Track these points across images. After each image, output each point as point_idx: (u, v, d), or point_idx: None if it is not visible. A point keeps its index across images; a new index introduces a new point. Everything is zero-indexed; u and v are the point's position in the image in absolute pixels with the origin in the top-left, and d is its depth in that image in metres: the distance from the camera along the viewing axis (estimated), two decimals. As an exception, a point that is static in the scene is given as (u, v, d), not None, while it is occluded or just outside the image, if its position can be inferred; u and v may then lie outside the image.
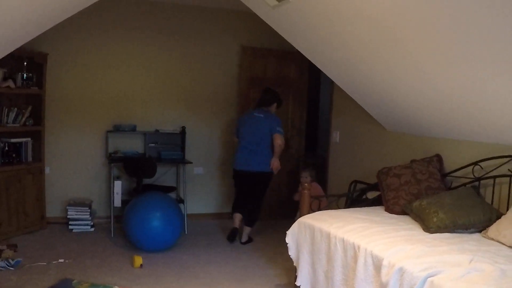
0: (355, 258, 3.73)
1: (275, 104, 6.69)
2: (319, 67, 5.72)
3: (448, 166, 5.03)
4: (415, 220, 4.32)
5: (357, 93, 5.76)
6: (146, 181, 7.12)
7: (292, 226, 4.65)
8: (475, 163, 4.65)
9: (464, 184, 4.75)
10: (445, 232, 3.95)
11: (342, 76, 5.59)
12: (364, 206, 5.11)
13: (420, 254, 3.39)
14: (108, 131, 7.23)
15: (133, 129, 7.29)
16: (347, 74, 5.41)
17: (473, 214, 4.01)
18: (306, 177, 6.61)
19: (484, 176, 4.59)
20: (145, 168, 6.77)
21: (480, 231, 4.00)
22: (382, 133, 6.15)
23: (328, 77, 6.01)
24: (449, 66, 3.91)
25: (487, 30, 3.20)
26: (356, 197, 5.75)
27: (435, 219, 4.00)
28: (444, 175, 4.98)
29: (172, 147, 7.48)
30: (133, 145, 7.43)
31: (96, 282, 5.03)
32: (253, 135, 6.52)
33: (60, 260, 5.57)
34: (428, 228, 4.00)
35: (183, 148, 7.50)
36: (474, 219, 3.98)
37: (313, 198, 4.94)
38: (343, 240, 3.91)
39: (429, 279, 3.03)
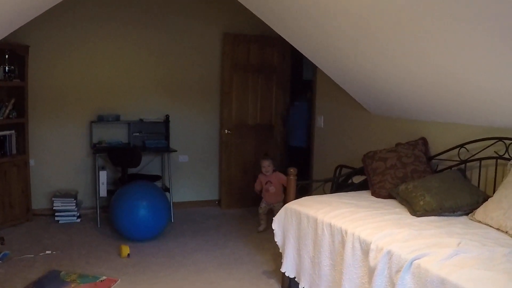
0: (343, 243, 3.73)
1: None
2: (300, 51, 5.69)
3: (434, 149, 5.05)
4: (402, 204, 4.33)
5: (340, 78, 5.75)
6: (131, 170, 7.09)
7: (279, 212, 4.65)
8: (461, 146, 4.66)
9: (450, 167, 4.77)
10: (432, 216, 3.96)
11: (324, 61, 5.57)
12: (350, 191, 5.12)
13: (408, 238, 3.40)
14: (92, 122, 7.17)
15: (117, 119, 7.24)
16: (329, 59, 5.39)
17: (460, 197, 4.02)
18: (269, 166, 6.59)
19: (470, 159, 4.60)
20: (130, 158, 6.74)
21: (467, 214, 4.00)
22: (367, 117, 6.16)
23: (311, 62, 5.99)
24: (433, 50, 3.91)
25: (471, 13, 3.20)
26: (341, 182, 5.75)
27: (421, 203, 4.01)
28: (430, 158, 4.99)
29: (156, 136, 7.45)
30: (117, 135, 7.39)
31: (84, 272, 5.02)
32: None
33: (47, 252, 5.55)
34: (415, 211, 4.01)
35: (167, 137, 7.48)
36: (461, 202, 3.99)
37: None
38: (330, 225, 3.91)
39: (416, 261, 3.05)
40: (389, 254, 3.25)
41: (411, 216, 4.01)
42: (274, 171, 6.62)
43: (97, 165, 6.99)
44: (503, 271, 2.78)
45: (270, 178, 6.58)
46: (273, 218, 4.70)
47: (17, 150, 6.60)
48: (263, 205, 6.70)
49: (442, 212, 3.98)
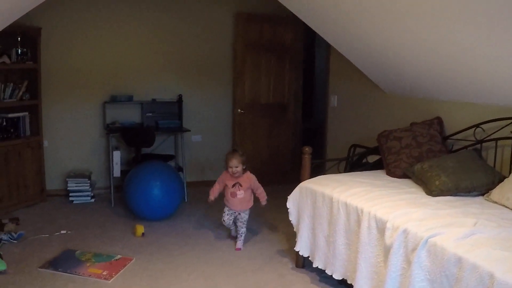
0: (358, 222, 3.73)
1: None
2: (314, 29, 5.65)
3: (449, 128, 5.01)
4: (417, 184, 4.30)
5: (354, 56, 5.71)
6: (145, 150, 7.10)
7: (294, 191, 4.64)
8: (477, 126, 4.62)
9: (466, 147, 4.73)
10: (447, 196, 3.94)
11: (338, 38, 5.53)
12: (365, 170, 5.10)
13: (424, 217, 3.38)
14: (105, 102, 7.17)
15: (129, 99, 7.23)
16: (343, 36, 5.35)
17: (476, 177, 3.99)
18: (236, 166, 5.16)
19: (486, 139, 4.57)
20: (143, 138, 6.75)
21: (482, 194, 3.98)
22: (381, 96, 6.12)
23: (324, 41, 5.94)
24: (449, 27, 3.86)
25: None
26: (356, 161, 5.73)
27: (437, 182, 3.99)
28: (445, 138, 4.96)
29: (169, 116, 7.44)
30: (130, 115, 7.39)
31: (99, 252, 5.05)
32: None
33: (62, 232, 5.58)
34: (431, 191, 3.99)
35: (180, 117, 7.47)
36: (477, 182, 3.97)
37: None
38: (345, 204, 3.91)
39: (432, 239, 3.04)
40: (405, 232, 3.24)
41: (427, 195, 3.99)
42: (244, 170, 5.29)
43: (110, 145, 7.00)
44: (520, 251, 2.76)
45: (239, 179, 5.26)
46: (288, 197, 4.69)
47: (31, 131, 6.61)
48: (226, 215, 5.33)
49: (458, 192, 3.95)
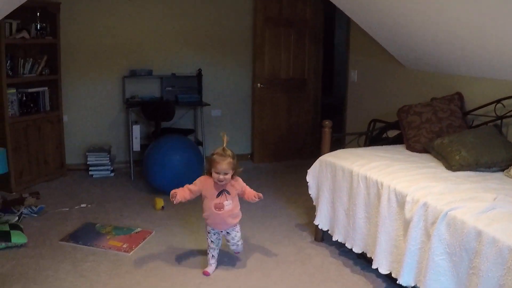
0: (378, 196, 3.73)
1: None
2: (334, 3, 5.60)
3: (469, 104, 4.96)
4: (437, 158, 4.28)
5: (374, 30, 5.66)
6: (165, 125, 7.12)
7: (313, 164, 4.64)
8: (497, 101, 4.58)
9: (486, 123, 4.70)
10: (467, 171, 3.91)
11: (359, 12, 5.48)
12: (384, 145, 5.07)
13: (444, 191, 3.37)
14: (125, 77, 7.18)
15: (149, 73, 7.23)
16: (364, 10, 5.30)
17: (496, 153, 3.96)
18: (226, 173, 3.85)
19: (506, 115, 4.53)
20: (163, 111, 6.77)
21: (502, 170, 3.96)
22: (401, 71, 6.07)
23: (344, 17, 5.89)
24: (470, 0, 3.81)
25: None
26: (376, 136, 5.70)
27: (457, 157, 3.96)
28: (465, 114, 4.92)
29: (189, 90, 7.43)
30: (150, 89, 7.39)
31: (119, 225, 5.10)
32: None
33: (82, 205, 5.64)
34: (451, 166, 3.97)
35: (200, 91, 7.46)
36: (497, 158, 3.94)
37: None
38: (365, 177, 3.90)
39: (452, 213, 3.03)
40: (425, 206, 3.24)
41: (447, 170, 3.97)
42: (233, 177, 3.99)
43: (130, 119, 7.02)
44: (540, 227, 2.74)
45: (226, 186, 3.97)
46: (308, 170, 4.68)
47: (51, 106, 6.64)
48: (214, 234, 4.13)
49: (478, 167, 3.93)
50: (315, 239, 4.78)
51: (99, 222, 5.15)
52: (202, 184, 4.01)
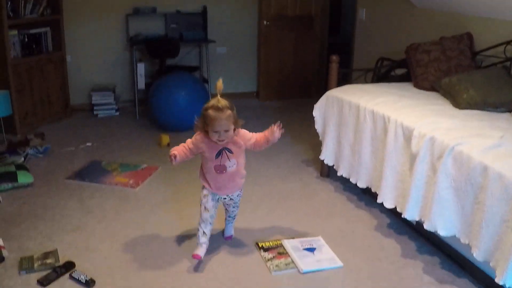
0: (385, 130, 3.71)
1: None
2: None
3: (479, 45, 4.88)
4: (444, 97, 4.23)
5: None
6: (169, 62, 7.06)
7: (320, 99, 4.62)
8: (507, 43, 4.50)
9: (495, 64, 4.63)
10: (475, 110, 3.87)
11: None
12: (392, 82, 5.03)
13: (451, 127, 3.35)
14: (128, 15, 7.08)
15: (153, 11, 7.12)
16: None
17: (504, 93, 3.92)
18: (226, 130, 3.10)
19: (516, 56, 4.47)
20: (167, 48, 6.72)
21: (509, 111, 3.91)
22: (410, 10, 5.97)
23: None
24: None
25: None
26: (383, 74, 5.65)
27: (465, 96, 3.92)
28: (475, 54, 4.84)
29: (194, 27, 7.33)
30: (154, 27, 7.29)
31: (125, 161, 5.13)
32: None
33: (88, 144, 5.66)
34: (458, 104, 3.93)
35: (205, 28, 7.35)
36: (505, 99, 3.89)
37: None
38: (372, 112, 3.88)
39: (458, 147, 3.02)
40: (432, 140, 3.22)
41: (454, 108, 3.94)
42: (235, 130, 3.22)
43: (134, 57, 6.96)
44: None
45: (227, 144, 3.23)
46: (314, 105, 4.65)
47: (53, 47, 6.58)
48: (210, 201, 3.34)
49: (485, 107, 3.89)
50: (321, 175, 4.81)
51: (105, 159, 5.18)
52: (196, 144, 3.27)
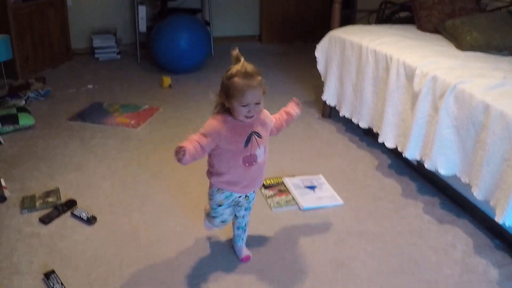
0: (387, 69, 3.69)
1: None
2: None
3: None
4: (448, 39, 4.20)
5: None
6: (171, 5, 6.99)
7: (322, 39, 4.60)
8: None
9: (499, 8, 4.60)
10: (478, 52, 3.84)
11: None
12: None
13: (454, 67, 3.33)
14: (129, -44, 6.98)
15: (153, -49, 7.02)
16: None
17: (508, 37, 3.87)
18: (258, 102, 2.35)
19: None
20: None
21: (513, 55, 3.89)
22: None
23: None
24: None
25: None
26: (386, 17, 5.60)
27: (468, 38, 3.88)
28: (479, -2, 4.80)
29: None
30: (155, -30, 7.19)
31: (126, 103, 5.14)
32: None
33: (89, 86, 5.64)
34: (461, 46, 3.89)
35: (207, -31, 7.26)
36: (509, 42, 3.85)
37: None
38: (375, 51, 3.85)
39: (460, 86, 3.00)
40: (434, 79, 3.20)
41: (457, 50, 3.90)
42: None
43: (135, 0, 6.87)
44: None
45: (254, 125, 2.47)
46: (316, 45, 4.63)
47: (53, -10, 6.48)
48: (226, 208, 2.63)
49: (489, 49, 3.85)
50: (322, 115, 4.82)
51: (107, 101, 5.17)
52: (217, 132, 2.38)
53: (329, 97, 4.56)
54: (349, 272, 2.71)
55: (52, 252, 2.80)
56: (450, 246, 2.94)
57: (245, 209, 2.70)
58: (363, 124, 4.09)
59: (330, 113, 4.77)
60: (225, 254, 2.82)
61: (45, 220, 3.06)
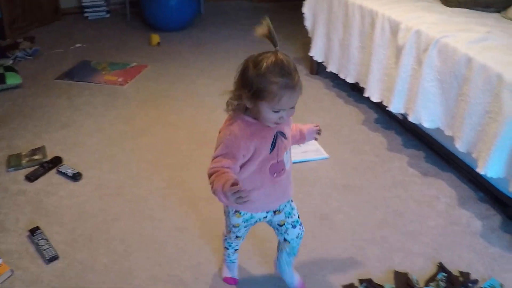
0: (373, 25, 3.69)
1: None
2: None
3: None
4: (433, -1, 4.18)
5: None
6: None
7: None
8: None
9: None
10: (464, 8, 3.81)
11: None
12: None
13: (438, 21, 3.34)
14: None
15: None
16: None
17: (495, -6, 3.85)
18: (292, 107, 1.79)
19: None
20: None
21: (499, 12, 3.84)
22: None
23: None
24: None
25: None
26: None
27: (455, -6, 3.86)
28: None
29: None
30: None
31: (115, 61, 5.12)
32: None
33: (77, 45, 5.60)
34: (448, 2, 3.87)
35: None
36: (496, -1, 3.83)
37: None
38: (361, 7, 3.84)
39: (444, 40, 3.01)
40: (418, 33, 3.21)
41: (443, 6, 3.88)
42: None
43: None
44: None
45: (281, 126, 1.88)
46: (304, 2, 4.62)
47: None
48: (244, 228, 2.11)
49: (475, 6, 3.81)
50: (310, 72, 4.82)
51: (95, 59, 5.15)
52: (247, 148, 1.80)
53: (317, 53, 4.55)
54: (332, 224, 2.75)
55: (38, 209, 2.84)
56: (434, 198, 3.00)
57: (292, 226, 2.11)
58: (350, 79, 4.10)
59: (317, 69, 4.78)
60: (207, 205, 2.85)
61: (31, 178, 3.10)
